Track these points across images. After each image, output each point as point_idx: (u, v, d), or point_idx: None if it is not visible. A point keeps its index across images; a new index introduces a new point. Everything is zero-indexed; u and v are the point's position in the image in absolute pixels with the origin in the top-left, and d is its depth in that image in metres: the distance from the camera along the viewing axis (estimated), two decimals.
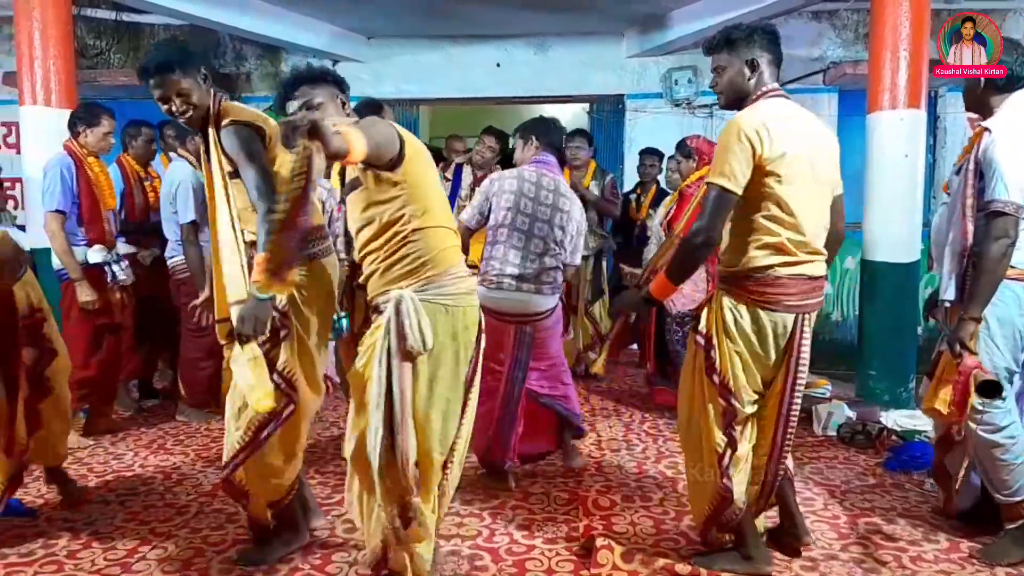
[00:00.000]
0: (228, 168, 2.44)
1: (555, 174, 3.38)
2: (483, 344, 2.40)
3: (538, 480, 3.44)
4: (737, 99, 2.44)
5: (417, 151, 2.24)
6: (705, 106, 6.62)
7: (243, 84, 6.80)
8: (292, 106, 2.32)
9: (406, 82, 6.80)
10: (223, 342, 2.56)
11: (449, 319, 2.25)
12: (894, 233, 4.59)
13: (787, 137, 2.31)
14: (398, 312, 2.17)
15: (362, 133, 1.96)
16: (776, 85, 2.44)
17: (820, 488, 3.36)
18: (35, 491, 3.31)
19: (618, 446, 3.92)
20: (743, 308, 2.40)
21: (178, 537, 2.87)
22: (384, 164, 2.15)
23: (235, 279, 2.41)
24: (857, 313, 6.12)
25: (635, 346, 5.77)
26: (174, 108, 2.47)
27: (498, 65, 6.80)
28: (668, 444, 3.93)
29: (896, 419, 4.12)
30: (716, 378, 2.44)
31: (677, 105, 6.63)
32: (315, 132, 1.79)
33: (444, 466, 2.35)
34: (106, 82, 6.18)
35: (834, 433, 4.07)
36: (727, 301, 2.43)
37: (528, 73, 6.75)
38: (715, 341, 2.44)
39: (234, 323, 2.31)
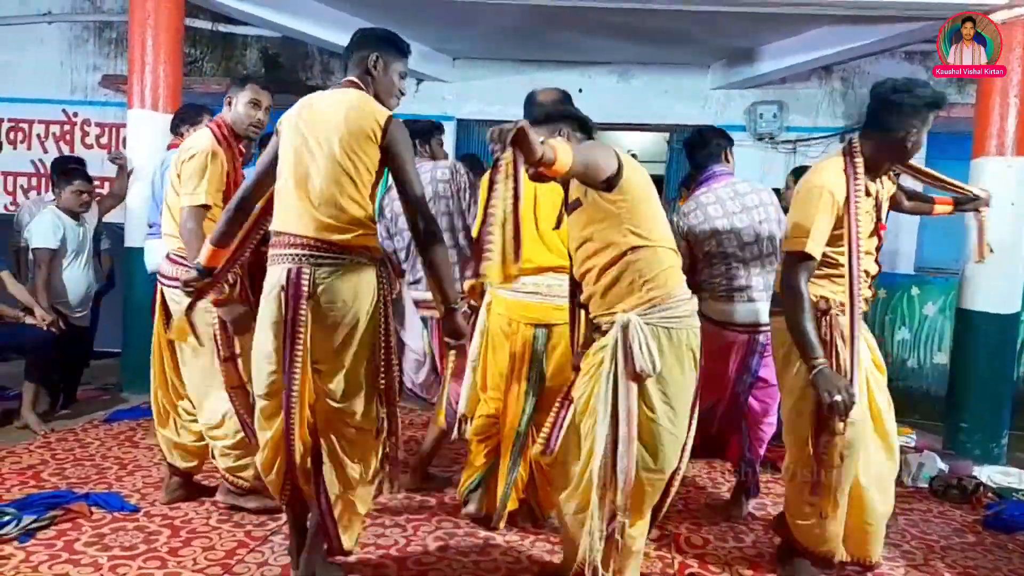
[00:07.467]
0: None
1: (725, 181, 3.26)
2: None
3: None
4: None
5: (635, 170, 2.24)
6: (788, 141, 6.55)
7: None
8: None
9: (488, 103, 6.85)
10: None
11: (672, 343, 2.22)
12: (995, 283, 4.46)
13: None
14: (625, 335, 2.16)
15: (569, 148, 1.97)
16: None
17: (919, 542, 3.25)
18: (130, 486, 3.38)
19: (703, 483, 3.85)
20: None
21: (273, 543, 2.88)
22: (601, 184, 2.17)
23: None
24: (935, 361, 5.96)
25: None
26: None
27: (580, 91, 6.77)
28: None
29: (990, 475, 4.00)
30: None
31: (760, 139, 6.56)
32: (521, 138, 1.78)
33: (666, 491, 2.35)
34: (200, 89, 6.35)
35: (925, 485, 3.94)
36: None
37: (610, 100, 6.73)
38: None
39: None
